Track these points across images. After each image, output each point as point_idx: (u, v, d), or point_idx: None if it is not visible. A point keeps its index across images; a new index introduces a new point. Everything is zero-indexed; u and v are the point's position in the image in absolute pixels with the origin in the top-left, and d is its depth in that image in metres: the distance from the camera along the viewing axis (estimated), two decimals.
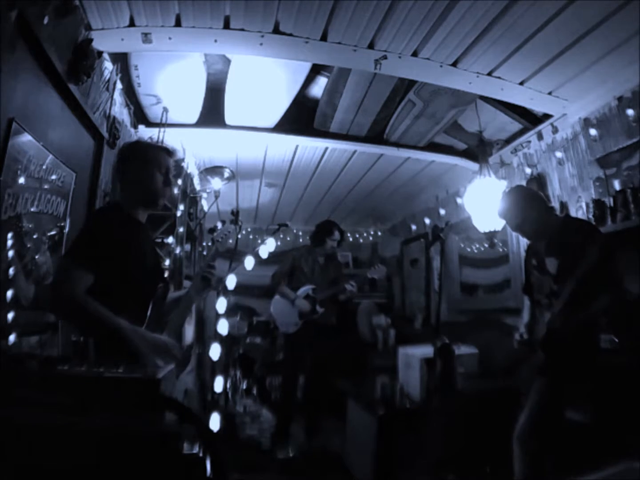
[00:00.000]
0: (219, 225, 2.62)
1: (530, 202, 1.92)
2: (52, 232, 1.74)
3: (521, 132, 3.09)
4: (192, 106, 2.86)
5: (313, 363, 3.33)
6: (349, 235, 6.26)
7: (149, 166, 1.47)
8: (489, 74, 2.32)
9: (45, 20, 1.53)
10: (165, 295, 1.63)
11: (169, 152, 1.56)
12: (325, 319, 3.34)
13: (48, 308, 1.58)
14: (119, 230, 1.34)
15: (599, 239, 1.65)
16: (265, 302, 4.98)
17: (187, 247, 3.47)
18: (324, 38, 2.09)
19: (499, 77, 2.34)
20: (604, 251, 1.61)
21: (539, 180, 2.91)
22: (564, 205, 2.70)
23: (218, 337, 2.22)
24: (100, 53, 2.04)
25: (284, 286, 3.42)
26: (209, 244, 3.84)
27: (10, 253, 1.42)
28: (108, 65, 2.24)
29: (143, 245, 1.47)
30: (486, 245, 3.61)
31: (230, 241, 2.57)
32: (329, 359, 3.36)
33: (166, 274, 2.63)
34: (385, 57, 2.18)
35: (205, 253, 4.08)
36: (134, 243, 1.39)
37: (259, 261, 2.48)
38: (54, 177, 1.72)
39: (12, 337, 1.41)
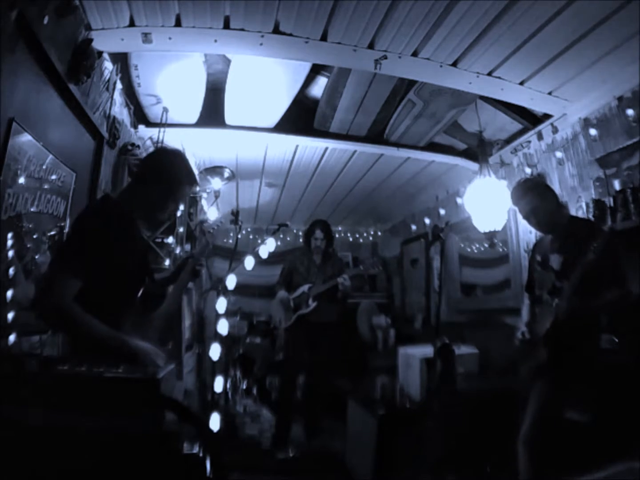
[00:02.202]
0: (211, 216, 2.60)
1: (545, 193, 1.95)
2: (52, 232, 1.75)
3: (521, 132, 3.09)
4: (192, 106, 2.86)
5: (309, 361, 3.33)
6: (349, 235, 6.27)
7: (175, 194, 1.46)
8: (489, 74, 2.32)
9: (45, 20, 1.53)
10: (152, 290, 1.61)
11: (196, 184, 1.57)
12: (320, 316, 3.33)
13: (35, 315, 1.54)
14: (109, 228, 1.30)
15: (605, 235, 1.64)
16: (265, 302, 5.01)
17: (187, 247, 3.48)
18: (324, 38, 2.08)
19: (499, 77, 2.34)
20: (611, 246, 1.62)
21: None
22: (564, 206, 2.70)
23: (218, 337, 2.22)
24: (100, 53, 2.04)
25: (278, 291, 3.55)
26: (195, 229, 3.80)
27: (10, 253, 1.42)
28: (108, 65, 2.24)
29: (132, 241, 1.43)
30: (486, 245, 3.61)
31: (222, 236, 2.58)
32: (324, 356, 3.37)
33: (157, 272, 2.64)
34: (385, 57, 2.18)
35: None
36: (123, 240, 1.35)
37: (259, 261, 2.49)
38: (54, 177, 1.72)
39: (12, 337, 1.41)
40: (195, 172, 3.41)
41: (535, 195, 1.93)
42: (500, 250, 3.46)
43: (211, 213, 3.69)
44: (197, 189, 1.58)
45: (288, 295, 3.43)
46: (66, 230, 1.85)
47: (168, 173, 1.45)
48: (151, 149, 2.89)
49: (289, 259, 3.64)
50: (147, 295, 1.51)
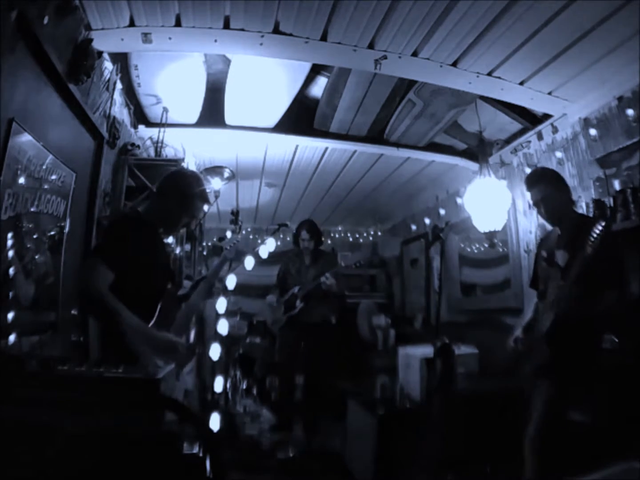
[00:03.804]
0: (229, 234, 2.69)
1: (559, 184, 1.94)
2: (52, 232, 1.74)
3: (521, 132, 3.09)
4: (192, 106, 2.86)
5: (303, 361, 3.33)
6: (349, 235, 6.27)
7: (189, 210, 1.68)
8: (489, 74, 2.32)
9: (45, 20, 1.53)
10: (174, 296, 1.71)
11: (209, 203, 1.82)
12: (310, 316, 3.32)
13: (78, 297, 1.77)
14: (139, 236, 1.50)
15: (602, 227, 1.64)
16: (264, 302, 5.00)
17: (187, 247, 3.47)
18: (324, 38, 2.08)
19: (499, 77, 2.34)
20: (609, 239, 1.61)
21: None
22: None
23: (218, 337, 2.22)
24: (100, 53, 2.04)
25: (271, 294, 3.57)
26: (209, 243, 3.83)
27: (10, 253, 1.42)
28: (108, 65, 2.24)
29: (157, 250, 1.63)
30: (486, 245, 3.60)
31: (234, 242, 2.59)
32: (317, 356, 3.37)
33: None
34: (385, 57, 2.18)
35: (205, 253, 4.08)
36: (150, 249, 1.55)
37: (259, 261, 2.49)
38: (54, 177, 1.72)
39: (12, 337, 1.40)
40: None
41: (549, 184, 1.92)
42: (500, 250, 3.46)
43: (228, 233, 3.71)
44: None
45: (276, 298, 3.44)
46: (66, 230, 1.85)
47: (184, 192, 1.66)
48: (151, 149, 2.89)
49: (283, 261, 3.64)
50: (166, 304, 1.65)
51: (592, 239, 1.58)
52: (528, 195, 2.04)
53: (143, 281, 1.48)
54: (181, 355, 1.46)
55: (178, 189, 1.66)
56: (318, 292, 3.28)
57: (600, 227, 1.57)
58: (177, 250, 2.98)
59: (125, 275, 1.40)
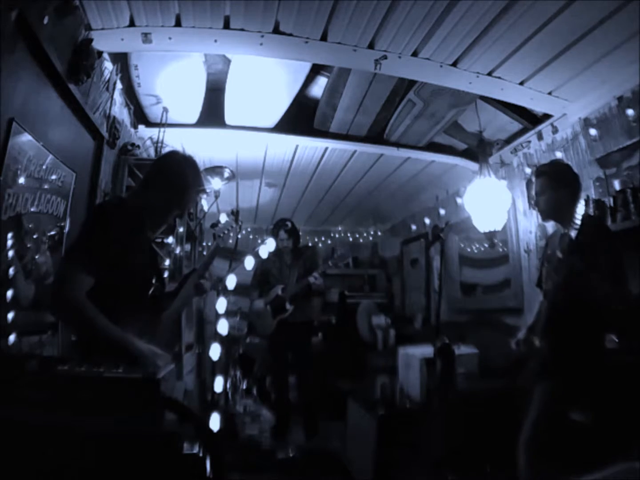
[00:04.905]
0: (222, 219, 2.61)
1: (557, 183, 1.85)
2: (52, 232, 1.74)
3: (521, 132, 3.09)
4: (192, 106, 2.86)
5: (298, 362, 3.33)
6: (349, 235, 6.27)
7: (181, 200, 1.49)
8: (489, 74, 2.32)
9: (45, 20, 1.53)
10: (161, 293, 1.62)
11: (204, 192, 1.57)
12: (300, 316, 3.32)
13: (49, 309, 1.57)
14: (120, 229, 1.31)
15: (607, 235, 1.63)
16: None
17: (187, 247, 3.47)
18: (324, 38, 2.08)
19: (499, 77, 2.34)
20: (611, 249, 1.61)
21: None
22: None
23: (218, 337, 2.22)
24: (100, 53, 2.04)
25: (252, 294, 3.54)
26: (209, 243, 3.83)
27: (10, 253, 1.42)
28: (108, 65, 2.24)
29: (141, 243, 1.45)
30: (486, 245, 3.61)
31: (231, 241, 2.57)
32: (311, 355, 3.36)
33: (165, 273, 2.65)
34: (385, 57, 2.18)
35: (205, 253, 4.08)
36: (133, 242, 1.36)
37: (259, 261, 2.49)
38: (54, 177, 1.72)
39: (12, 337, 1.41)
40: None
41: (548, 180, 1.86)
42: (500, 250, 3.46)
43: (222, 217, 3.68)
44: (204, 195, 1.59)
45: (262, 302, 3.41)
46: (66, 230, 1.85)
47: (175, 179, 1.46)
48: (151, 149, 2.89)
49: (262, 261, 3.60)
50: (155, 298, 1.50)
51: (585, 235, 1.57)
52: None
53: (127, 282, 1.32)
54: (165, 365, 1.33)
55: (168, 175, 1.46)
56: (306, 292, 3.27)
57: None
58: (177, 250, 2.98)
59: (106, 276, 1.24)
